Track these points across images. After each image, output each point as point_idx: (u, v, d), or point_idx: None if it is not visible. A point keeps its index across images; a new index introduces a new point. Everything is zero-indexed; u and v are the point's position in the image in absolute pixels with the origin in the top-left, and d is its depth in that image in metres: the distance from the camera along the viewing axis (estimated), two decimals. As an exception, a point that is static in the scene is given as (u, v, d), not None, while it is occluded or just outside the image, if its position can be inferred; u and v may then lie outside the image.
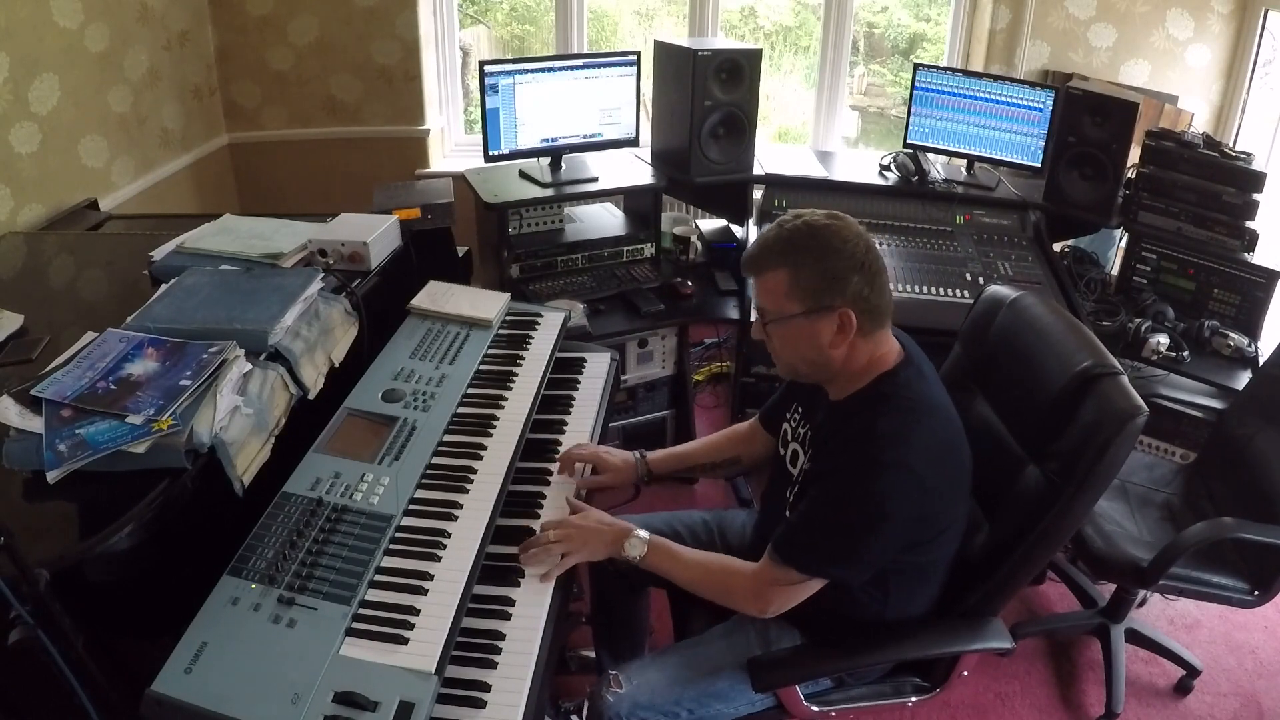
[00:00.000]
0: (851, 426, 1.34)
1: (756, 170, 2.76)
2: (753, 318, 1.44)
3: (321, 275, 1.68)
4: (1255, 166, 2.52)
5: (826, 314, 1.32)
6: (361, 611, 1.18)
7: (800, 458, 1.48)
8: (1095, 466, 1.33)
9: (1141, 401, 1.32)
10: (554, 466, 1.66)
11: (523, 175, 2.69)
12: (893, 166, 2.91)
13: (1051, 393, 1.42)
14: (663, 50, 2.72)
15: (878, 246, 1.36)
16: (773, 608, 1.39)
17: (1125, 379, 1.37)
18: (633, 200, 2.88)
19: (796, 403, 1.54)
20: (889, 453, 1.28)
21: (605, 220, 2.87)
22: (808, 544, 1.34)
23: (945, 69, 2.93)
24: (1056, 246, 2.79)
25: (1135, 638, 2.21)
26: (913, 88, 2.86)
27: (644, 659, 1.53)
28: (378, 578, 1.25)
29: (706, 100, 2.57)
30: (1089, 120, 2.58)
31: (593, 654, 1.99)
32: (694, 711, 1.44)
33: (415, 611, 1.21)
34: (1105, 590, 2.28)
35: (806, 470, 1.42)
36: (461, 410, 1.63)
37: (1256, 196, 2.48)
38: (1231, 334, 2.42)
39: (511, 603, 1.36)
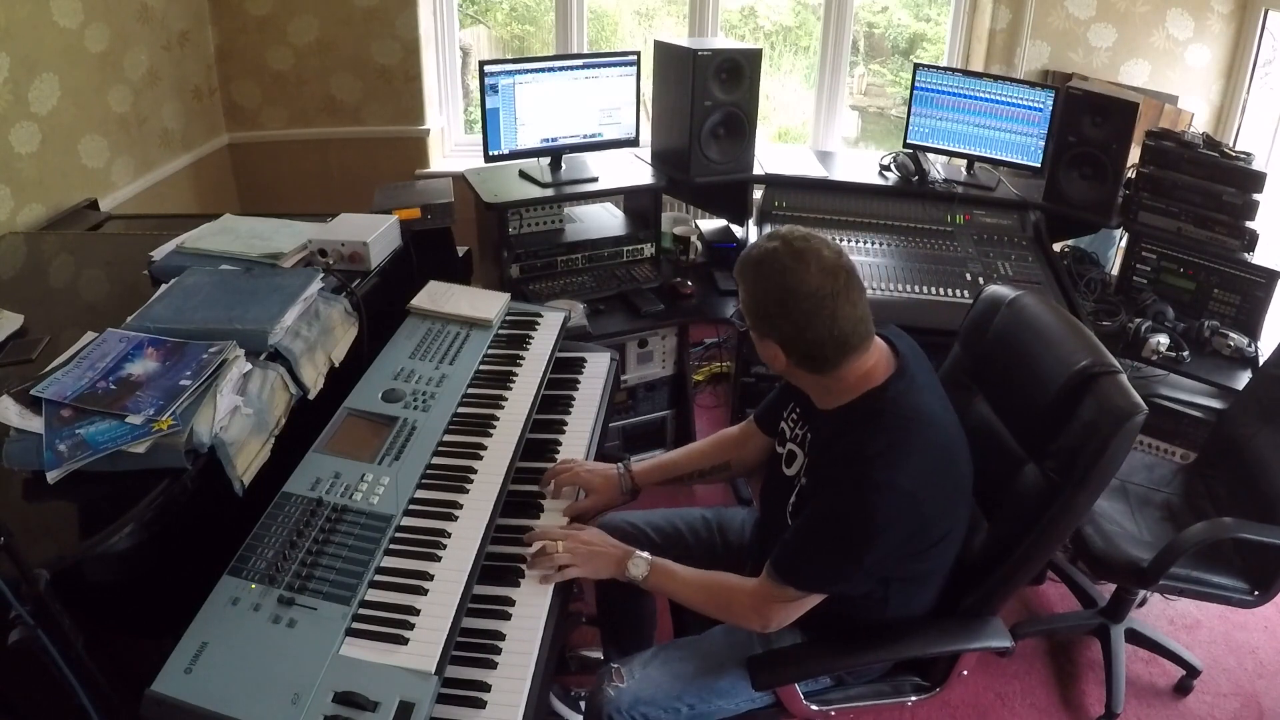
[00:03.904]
0: (842, 443, 1.33)
1: (756, 170, 2.76)
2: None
3: (321, 275, 1.68)
4: (1255, 166, 2.52)
5: (764, 341, 1.33)
6: (361, 611, 1.19)
7: (796, 460, 1.48)
8: (1094, 465, 1.33)
9: (1140, 400, 1.32)
10: (553, 467, 1.66)
11: (523, 175, 2.69)
12: (893, 166, 2.90)
13: (1050, 392, 1.42)
14: (663, 50, 2.72)
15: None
16: (774, 623, 1.40)
17: (1124, 378, 1.37)
18: (633, 200, 2.88)
19: (794, 402, 1.53)
20: (880, 473, 1.26)
21: (605, 220, 2.86)
22: (803, 562, 1.35)
23: (945, 69, 2.93)
24: (1056, 246, 2.79)
25: (1135, 638, 2.21)
26: (913, 88, 2.86)
27: (646, 654, 1.53)
28: (378, 578, 1.25)
29: (706, 100, 2.56)
30: (1089, 120, 2.57)
31: (593, 654, 1.99)
32: (695, 707, 1.44)
33: (415, 611, 1.21)
34: (1105, 590, 2.28)
35: (803, 484, 1.42)
36: (461, 410, 1.63)
37: (1256, 196, 2.48)
38: (1231, 334, 2.42)
39: (511, 603, 1.36)
